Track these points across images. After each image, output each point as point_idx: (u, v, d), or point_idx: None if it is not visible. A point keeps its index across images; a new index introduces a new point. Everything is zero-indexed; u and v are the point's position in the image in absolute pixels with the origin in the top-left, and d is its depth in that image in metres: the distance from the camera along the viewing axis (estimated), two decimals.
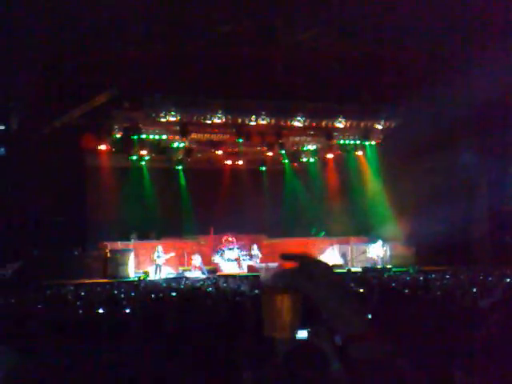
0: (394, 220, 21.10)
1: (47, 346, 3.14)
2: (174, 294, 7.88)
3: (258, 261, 21.01)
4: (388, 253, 21.21)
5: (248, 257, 21.52)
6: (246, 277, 16.63)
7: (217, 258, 21.26)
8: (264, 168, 24.31)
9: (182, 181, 22.63)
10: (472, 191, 20.39)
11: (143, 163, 21.60)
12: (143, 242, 20.22)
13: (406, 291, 7.50)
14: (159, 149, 20.86)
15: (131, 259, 19.11)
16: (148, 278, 18.25)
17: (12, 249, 16.95)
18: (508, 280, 10.13)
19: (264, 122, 19.83)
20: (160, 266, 19.22)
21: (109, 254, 19.03)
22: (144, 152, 20.51)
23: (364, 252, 21.49)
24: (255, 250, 21.31)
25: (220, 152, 21.82)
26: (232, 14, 15.18)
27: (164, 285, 14.14)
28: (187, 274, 18.95)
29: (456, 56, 16.74)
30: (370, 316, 4.16)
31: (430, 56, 17.02)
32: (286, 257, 1.51)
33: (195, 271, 19.60)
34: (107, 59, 15.57)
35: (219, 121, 19.39)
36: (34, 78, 16.14)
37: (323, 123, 20.58)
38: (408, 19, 14.70)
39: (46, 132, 18.20)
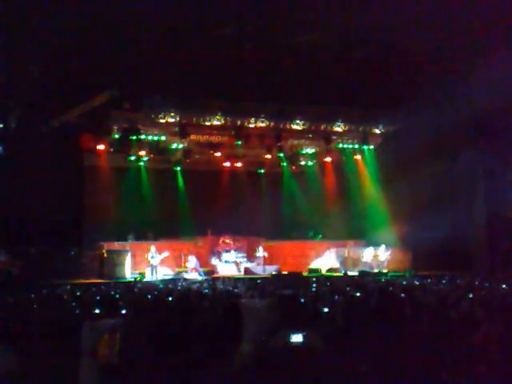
0: (391, 224, 21.12)
1: (43, 345, 3.14)
2: (170, 298, 7.85)
3: (262, 262, 20.92)
4: (385, 257, 21.21)
5: (245, 259, 21.52)
6: (241, 279, 16.62)
7: (214, 261, 21.25)
8: (262, 170, 24.34)
9: (180, 182, 22.65)
10: (470, 197, 20.41)
11: (142, 164, 21.59)
12: (140, 242, 20.19)
13: (403, 295, 7.50)
14: (158, 149, 20.86)
15: (128, 260, 19.07)
16: (144, 279, 18.22)
17: (9, 247, 16.94)
18: (504, 286, 10.15)
19: (263, 125, 19.87)
20: (156, 267, 19.17)
21: (105, 255, 19.00)
22: (143, 152, 20.50)
23: (375, 256, 21.30)
24: (260, 252, 21.19)
25: (219, 154, 21.83)
26: (232, 16, 15.19)
27: (160, 286, 14.13)
28: (184, 276, 18.93)
29: (455, 61, 16.77)
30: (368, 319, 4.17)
31: (429, 61, 17.04)
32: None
33: (192, 272, 19.59)
34: (108, 59, 15.58)
35: (218, 122, 19.42)
36: (34, 76, 16.13)
37: (322, 127, 20.63)
38: (408, 24, 14.72)
39: (45, 131, 18.18)
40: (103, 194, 20.09)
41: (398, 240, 21.21)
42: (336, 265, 21.90)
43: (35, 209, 17.75)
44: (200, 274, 19.38)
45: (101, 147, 19.96)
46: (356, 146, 22.05)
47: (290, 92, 18.09)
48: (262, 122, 19.72)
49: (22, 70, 15.93)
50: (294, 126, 20.21)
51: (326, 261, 22.13)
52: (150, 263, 19.19)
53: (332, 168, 23.68)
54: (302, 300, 5.48)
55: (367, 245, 21.94)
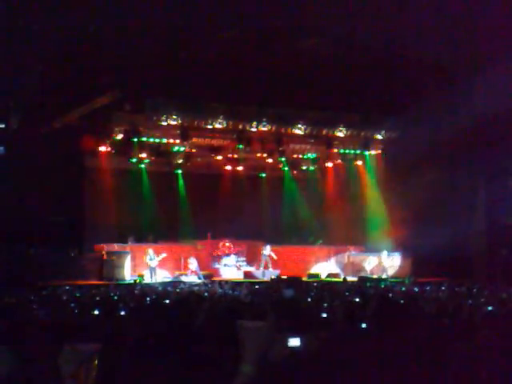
0: (391, 230, 21.12)
1: (43, 347, 3.14)
2: (167, 301, 7.85)
3: (269, 262, 20.75)
4: (389, 264, 21.17)
5: (245, 263, 21.48)
6: (241, 282, 16.59)
7: (214, 264, 21.20)
8: (263, 175, 24.34)
9: (181, 185, 22.64)
10: (470, 204, 20.41)
11: (143, 166, 21.57)
12: (140, 244, 20.15)
13: (402, 301, 7.49)
14: (159, 152, 20.88)
15: (127, 262, 19.04)
16: (144, 282, 18.19)
17: (9, 247, 16.93)
18: (503, 294, 10.12)
19: (265, 129, 19.89)
20: (154, 269, 19.11)
21: (105, 256, 18.98)
22: (144, 155, 20.52)
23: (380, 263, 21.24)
24: (267, 250, 20.95)
25: (220, 157, 21.83)
26: (235, 20, 15.23)
27: (160, 288, 14.11)
28: (183, 278, 18.90)
29: (458, 68, 16.81)
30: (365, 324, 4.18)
31: (431, 67, 17.07)
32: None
33: (191, 275, 19.56)
34: (110, 61, 15.61)
35: (220, 126, 19.44)
36: (35, 77, 16.16)
37: (324, 132, 20.67)
38: (410, 30, 14.76)
39: (46, 132, 18.20)
40: (104, 195, 20.07)
41: (398, 246, 21.20)
42: (336, 270, 21.88)
43: (36, 210, 17.76)
44: (199, 277, 19.36)
45: (102, 149, 19.97)
46: (357, 152, 22.07)
47: (292, 97, 18.14)
48: (264, 126, 19.74)
49: (24, 70, 15.96)
50: (296, 131, 20.24)
51: (325, 266, 22.10)
52: (149, 265, 19.13)
53: (333, 173, 23.67)
54: (301, 304, 5.48)
55: (367, 250, 21.92)
